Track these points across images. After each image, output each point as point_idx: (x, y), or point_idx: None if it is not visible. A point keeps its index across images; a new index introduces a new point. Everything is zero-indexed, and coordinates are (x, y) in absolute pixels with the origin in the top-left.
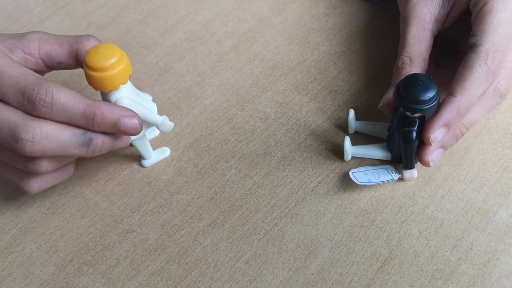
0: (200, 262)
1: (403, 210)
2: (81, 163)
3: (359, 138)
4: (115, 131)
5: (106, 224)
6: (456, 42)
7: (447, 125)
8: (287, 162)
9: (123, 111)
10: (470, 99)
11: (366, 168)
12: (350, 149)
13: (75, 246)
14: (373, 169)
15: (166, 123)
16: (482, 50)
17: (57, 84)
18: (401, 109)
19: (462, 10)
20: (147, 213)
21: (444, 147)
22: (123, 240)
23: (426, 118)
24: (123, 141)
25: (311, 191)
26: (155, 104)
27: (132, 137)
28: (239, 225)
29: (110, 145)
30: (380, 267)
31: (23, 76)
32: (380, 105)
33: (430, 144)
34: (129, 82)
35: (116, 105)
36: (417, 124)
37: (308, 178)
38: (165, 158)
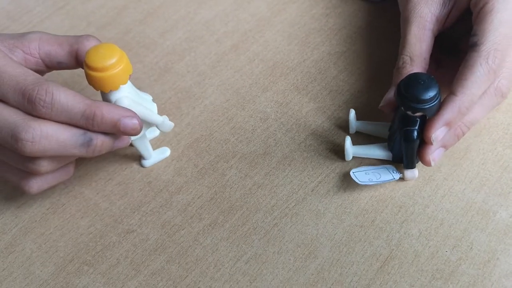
0: (200, 262)
1: (403, 210)
2: (81, 163)
3: (360, 138)
4: (115, 132)
5: (106, 224)
6: (457, 42)
7: (448, 125)
8: (287, 162)
9: (123, 112)
10: (471, 98)
11: (367, 167)
12: (351, 149)
13: (75, 246)
14: (374, 169)
15: (166, 123)
16: (483, 49)
17: (57, 84)
18: (402, 108)
19: (462, 10)
20: (147, 213)
21: (445, 147)
22: (123, 240)
23: (427, 118)
24: (123, 141)
25: (311, 191)
26: (155, 104)
27: (132, 137)
28: (239, 225)
29: (110, 145)
30: (380, 267)
31: (23, 76)
32: (381, 104)
33: (431, 144)
34: (129, 82)
35: (116, 105)
36: (418, 123)
37: (308, 178)
38: (165, 158)
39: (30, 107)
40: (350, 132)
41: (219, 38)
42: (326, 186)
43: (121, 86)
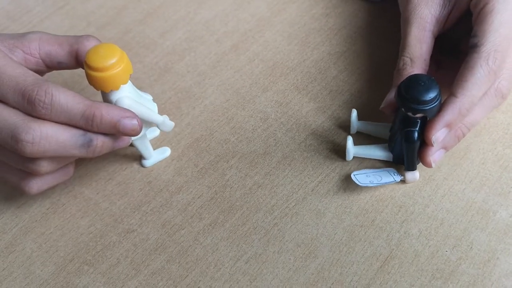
0: (200, 262)
1: (403, 209)
2: (81, 163)
3: (360, 138)
4: (114, 132)
5: (106, 224)
6: (457, 43)
7: (448, 126)
8: (287, 162)
9: (122, 112)
10: (471, 99)
11: (368, 170)
12: (352, 149)
13: (76, 245)
14: (375, 172)
15: (167, 122)
16: (483, 50)
17: (57, 84)
18: (403, 109)
19: (462, 11)
20: (147, 212)
21: (445, 148)
22: (123, 239)
23: (428, 119)
24: (124, 142)
25: (311, 191)
26: (155, 104)
27: (133, 137)
28: (239, 225)
29: (111, 146)
30: (380, 267)
31: (23, 76)
32: (382, 106)
33: (432, 145)
34: (129, 82)
35: (115, 106)
36: (418, 124)
37: (308, 178)
38: (165, 158)
39: (29, 108)
40: (351, 132)
41: (219, 38)
42: (326, 186)
43: (121, 86)
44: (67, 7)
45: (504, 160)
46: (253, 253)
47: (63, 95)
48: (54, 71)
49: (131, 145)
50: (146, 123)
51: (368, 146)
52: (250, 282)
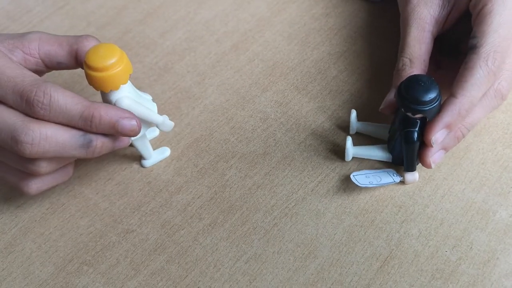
0: (200, 262)
1: (403, 210)
2: (81, 163)
3: (360, 139)
4: (113, 133)
5: (106, 224)
6: (456, 44)
7: (448, 127)
8: (287, 162)
9: (121, 113)
10: (471, 100)
11: (368, 171)
12: (351, 149)
13: (75, 246)
14: (375, 172)
15: (167, 122)
16: (482, 51)
17: (55, 85)
18: (403, 109)
19: (462, 11)
20: (147, 213)
21: (445, 149)
22: (123, 240)
23: (428, 120)
24: (123, 142)
25: (311, 191)
26: (155, 104)
27: (132, 137)
28: (239, 225)
29: (110, 146)
30: (380, 267)
31: (21, 77)
32: (381, 107)
33: (432, 146)
34: (129, 82)
35: (114, 106)
36: (418, 125)
37: (308, 178)
38: (165, 158)
39: (28, 108)
40: (351, 132)
41: (219, 38)
42: (326, 186)
43: (121, 86)
44: (67, 7)
45: (504, 160)
46: (252, 253)
47: (62, 96)
48: (54, 71)
49: (131, 145)
50: (145, 123)
51: (368, 147)
52: (250, 282)
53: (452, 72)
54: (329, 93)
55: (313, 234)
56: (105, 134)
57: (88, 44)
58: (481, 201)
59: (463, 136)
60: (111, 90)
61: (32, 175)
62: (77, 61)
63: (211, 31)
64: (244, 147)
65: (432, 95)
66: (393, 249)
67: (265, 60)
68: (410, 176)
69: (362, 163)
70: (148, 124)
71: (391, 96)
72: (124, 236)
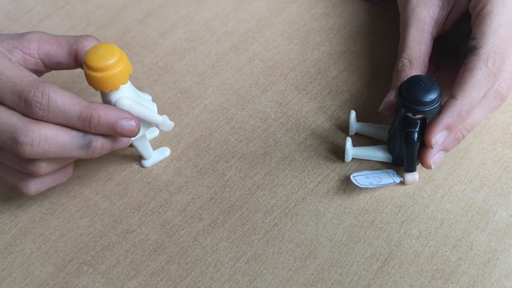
0: (200, 262)
1: (403, 210)
2: (81, 163)
3: (360, 140)
4: (112, 133)
5: (105, 224)
6: (456, 44)
7: (448, 128)
8: (287, 162)
9: (120, 113)
10: (471, 101)
11: (368, 172)
12: (351, 150)
13: (75, 246)
14: (374, 173)
15: (167, 122)
16: (482, 52)
17: (54, 86)
18: (403, 110)
19: (461, 12)
20: (147, 213)
21: (445, 150)
22: (122, 240)
23: (428, 121)
24: (123, 142)
25: (311, 191)
26: (155, 104)
27: (132, 138)
28: (239, 225)
29: (110, 147)
30: (380, 267)
31: (20, 77)
32: (381, 107)
33: (432, 147)
34: (129, 82)
35: (113, 107)
36: (418, 125)
37: (308, 178)
38: (165, 158)
39: (26, 109)
40: (350, 133)
41: (219, 38)
42: (326, 186)
43: (121, 86)
44: (67, 7)
45: (504, 160)
46: (252, 254)
47: (60, 96)
48: (54, 71)
49: (131, 145)
50: (145, 123)
51: (367, 148)
52: (250, 282)
53: (451, 73)
54: (329, 93)
55: (313, 234)
56: (104, 135)
57: (88, 44)
58: (481, 201)
59: (463, 137)
60: (111, 90)
61: (32, 175)
62: (77, 61)
63: (211, 31)
64: (244, 147)
65: (432, 96)
66: (393, 249)
67: (265, 60)
68: (410, 177)
69: (362, 164)
70: (148, 124)
71: (390, 96)
72: (124, 236)
